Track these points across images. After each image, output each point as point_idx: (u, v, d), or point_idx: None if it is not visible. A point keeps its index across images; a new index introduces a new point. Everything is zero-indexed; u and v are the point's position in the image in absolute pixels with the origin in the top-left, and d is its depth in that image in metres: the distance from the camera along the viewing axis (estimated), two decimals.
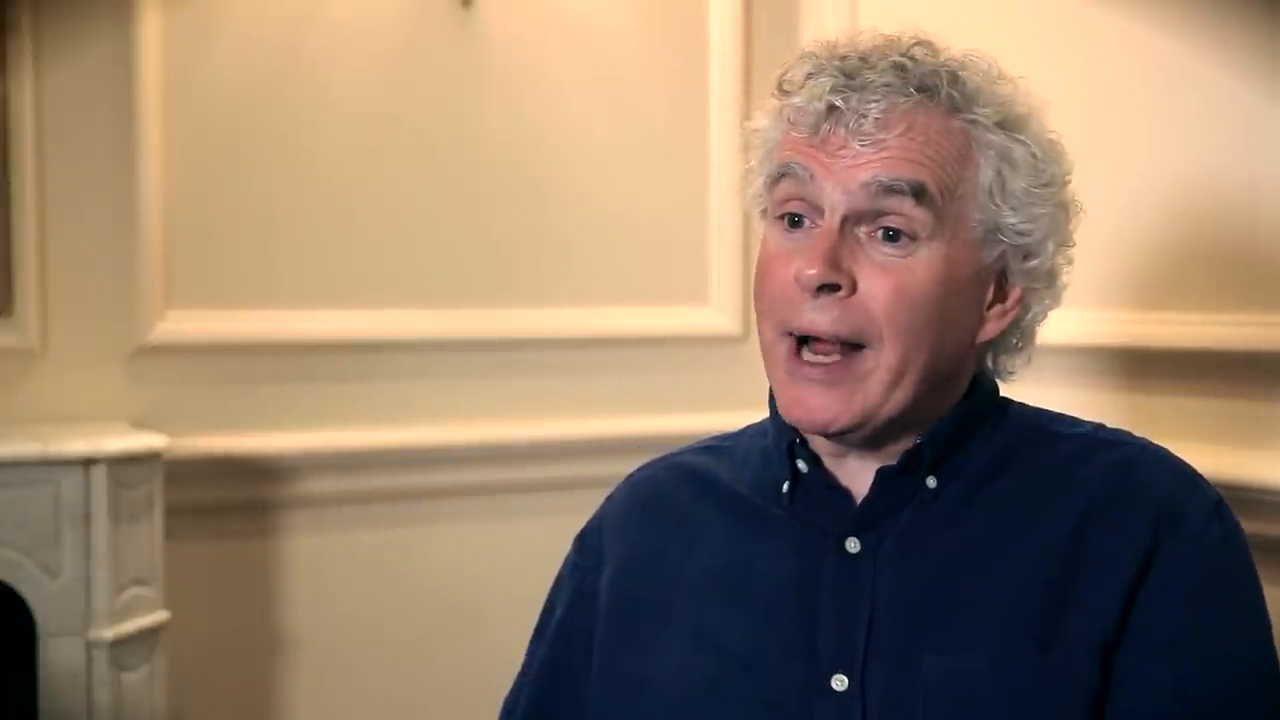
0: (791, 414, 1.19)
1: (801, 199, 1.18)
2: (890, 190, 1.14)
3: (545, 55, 3.03)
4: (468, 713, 2.49)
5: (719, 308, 3.20)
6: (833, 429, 1.17)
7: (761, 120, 1.24)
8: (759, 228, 1.26)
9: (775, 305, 1.19)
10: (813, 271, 1.15)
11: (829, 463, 1.23)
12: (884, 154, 1.15)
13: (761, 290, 1.21)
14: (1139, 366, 2.14)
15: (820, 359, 1.17)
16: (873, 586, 1.18)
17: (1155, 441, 1.24)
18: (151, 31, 2.73)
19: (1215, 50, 1.99)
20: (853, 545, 1.20)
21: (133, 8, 2.72)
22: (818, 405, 1.17)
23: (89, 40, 2.70)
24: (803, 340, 1.18)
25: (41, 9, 2.65)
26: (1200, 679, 1.12)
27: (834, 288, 1.15)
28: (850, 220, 1.16)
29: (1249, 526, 1.22)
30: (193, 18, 2.78)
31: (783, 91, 1.20)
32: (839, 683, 1.16)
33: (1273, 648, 1.16)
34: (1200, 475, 1.21)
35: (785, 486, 1.24)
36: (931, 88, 1.16)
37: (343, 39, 2.88)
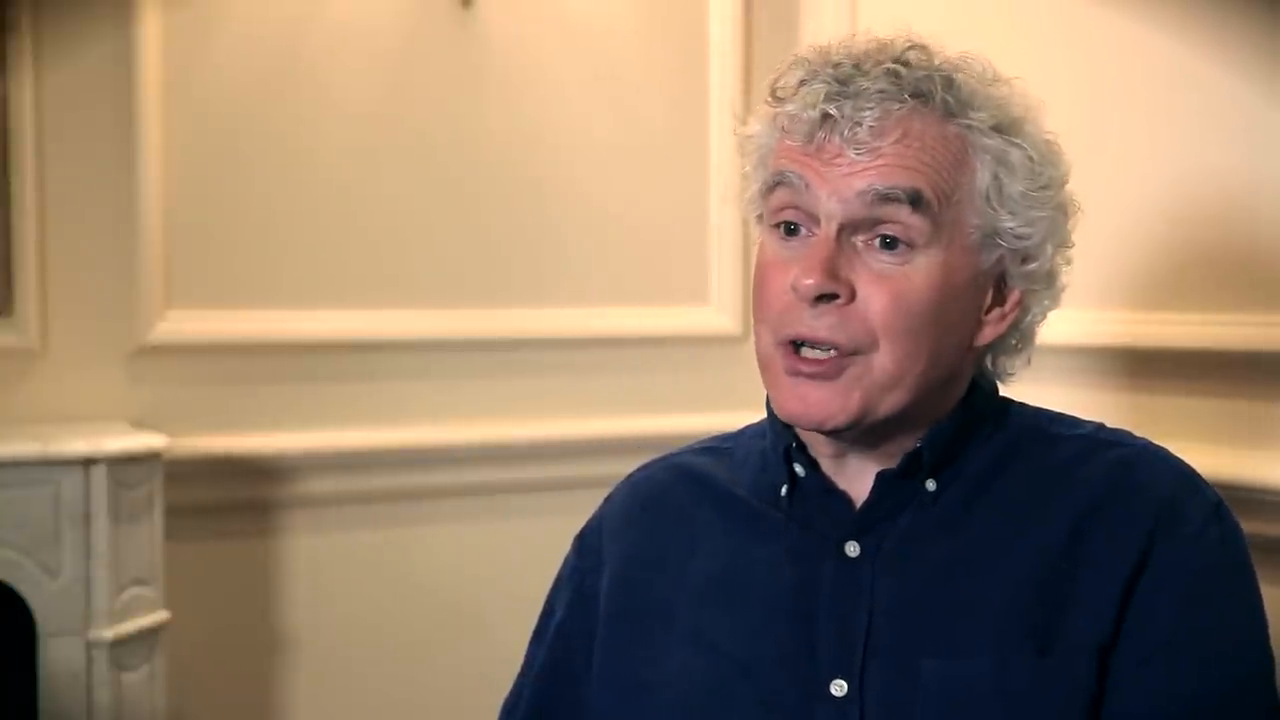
0: (789, 408, 1.18)
1: (797, 207, 1.17)
2: (887, 199, 1.13)
3: (545, 55, 3.03)
4: (467, 713, 2.48)
5: (719, 308, 3.20)
6: (829, 426, 1.16)
7: (755, 125, 1.22)
8: (757, 230, 1.26)
9: (773, 314, 1.18)
10: (810, 281, 1.14)
11: (827, 465, 1.23)
12: (880, 162, 1.13)
13: (759, 298, 1.20)
14: (1139, 366, 2.14)
15: (818, 354, 1.16)
16: (871, 591, 1.17)
17: (1155, 441, 1.23)
18: (151, 31, 2.73)
19: (1215, 50, 1.99)
20: (852, 549, 1.20)
21: (133, 8, 2.71)
22: (816, 400, 1.16)
23: (89, 40, 2.70)
24: (800, 343, 1.17)
25: (41, 9, 2.64)
26: (1196, 681, 1.12)
27: (832, 297, 1.14)
28: (847, 229, 1.15)
29: (1249, 526, 1.22)
30: (193, 18, 2.78)
31: (776, 98, 1.19)
32: (838, 688, 1.16)
33: (1270, 650, 1.16)
34: (1201, 477, 1.20)
35: (784, 490, 1.24)
36: (926, 93, 1.15)
37: (343, 39, 2.88)
